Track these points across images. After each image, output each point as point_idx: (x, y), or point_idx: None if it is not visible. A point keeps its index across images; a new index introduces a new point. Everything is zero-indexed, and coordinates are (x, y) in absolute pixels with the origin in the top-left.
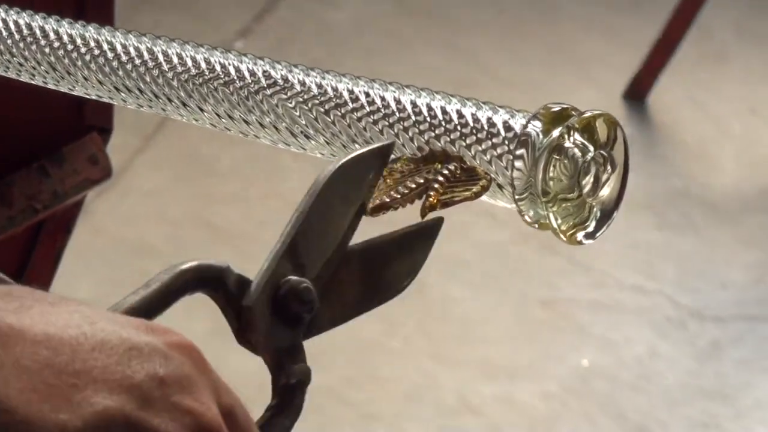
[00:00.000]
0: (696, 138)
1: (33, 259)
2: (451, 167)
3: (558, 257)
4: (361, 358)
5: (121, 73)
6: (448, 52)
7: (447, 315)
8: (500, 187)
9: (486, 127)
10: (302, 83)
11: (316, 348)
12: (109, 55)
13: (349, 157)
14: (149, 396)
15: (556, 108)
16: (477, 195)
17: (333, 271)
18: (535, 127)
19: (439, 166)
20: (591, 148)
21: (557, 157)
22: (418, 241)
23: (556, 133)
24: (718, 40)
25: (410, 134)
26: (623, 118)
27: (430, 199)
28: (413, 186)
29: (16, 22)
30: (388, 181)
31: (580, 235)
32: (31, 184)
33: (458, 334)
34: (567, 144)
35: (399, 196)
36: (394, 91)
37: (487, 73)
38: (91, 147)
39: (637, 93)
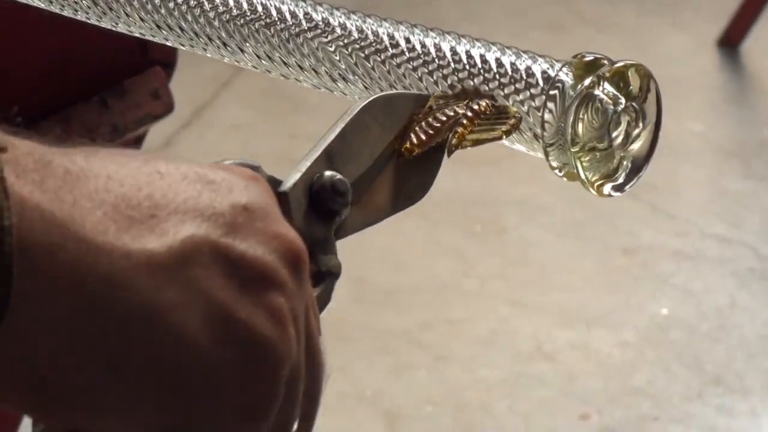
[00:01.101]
0: None
1: None
2: (483, 103)
3: (641, 204)
4: (437, 300)
5: (163, 11)
6: None
7: (525, 259)
8: (532, 133)
9: (520, 75)
10: (343, 27)
11: (391, 290)
12: None
13: (389, 92)
14: (234, 222)
15: (589, 57)
16: (506, 134)
17: (369, 182)
18: (567, 75)
19: (470, 102)
20: (622, 99)
21: (588, 106)
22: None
23: (586, 81)
24: None
25: (449, 81)
26: (716, 65)
27: (458, 134)
28: (444, 119)
29: None
30: (419, 116)
31: (607, 188)
32: (91, 117)
33: (536, 279)
34: (597, 93)
35: (432, 132)
36: (435, 38)
37: (577, 15)
38: (153, 81)
39: (730, 40)
